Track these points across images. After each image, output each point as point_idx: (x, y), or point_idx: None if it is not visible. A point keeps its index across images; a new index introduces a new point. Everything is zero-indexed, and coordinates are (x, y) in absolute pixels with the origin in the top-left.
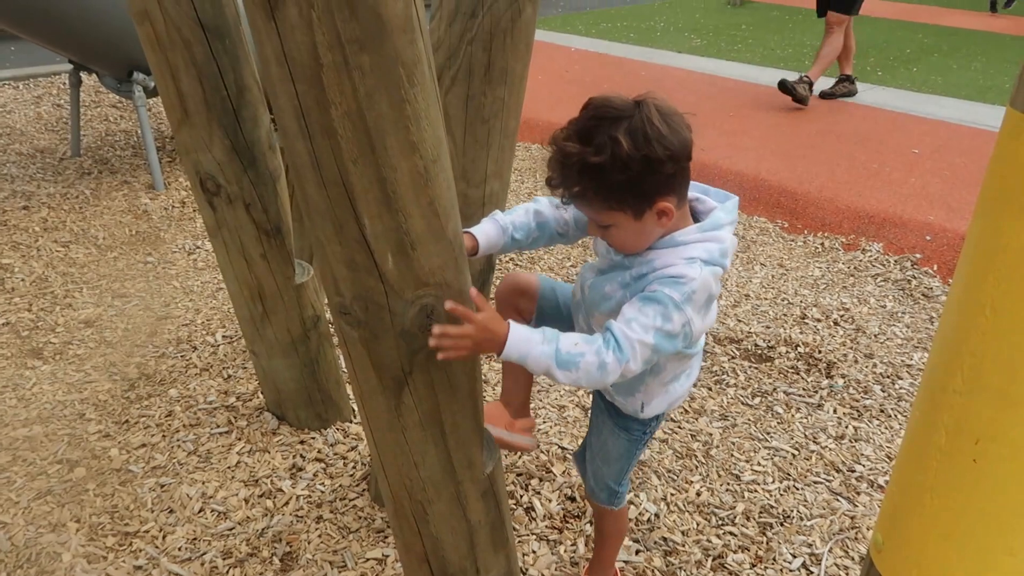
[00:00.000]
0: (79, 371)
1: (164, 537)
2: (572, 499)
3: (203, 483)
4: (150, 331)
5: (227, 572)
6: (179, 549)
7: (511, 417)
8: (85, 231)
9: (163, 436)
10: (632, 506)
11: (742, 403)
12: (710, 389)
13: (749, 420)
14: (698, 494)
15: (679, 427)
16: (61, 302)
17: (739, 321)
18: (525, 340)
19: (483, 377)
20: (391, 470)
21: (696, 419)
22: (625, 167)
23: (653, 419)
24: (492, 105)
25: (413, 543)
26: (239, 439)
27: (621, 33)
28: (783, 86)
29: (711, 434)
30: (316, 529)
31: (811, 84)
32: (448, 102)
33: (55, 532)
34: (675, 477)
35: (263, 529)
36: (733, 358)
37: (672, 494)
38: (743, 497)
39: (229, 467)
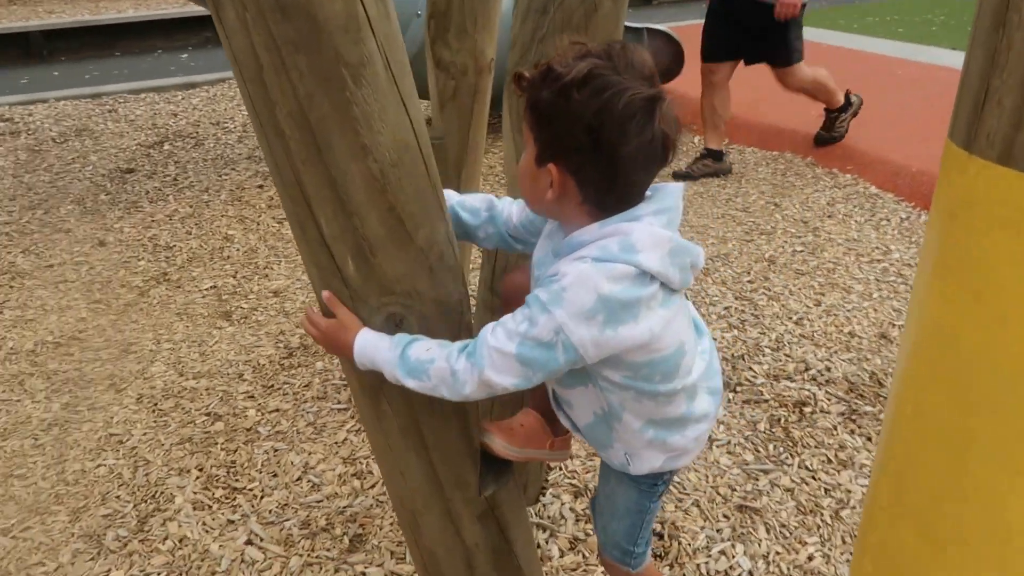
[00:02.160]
0: (254, 335)
1: (261, 498)
2: (659, 536)
3: (309, 453)
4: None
5: (298, 542)
6: (269, 512)
7: (552, 435)
8: None
9: (294, 404)
10: (723, 556)
11: None
12: (869, 440)
13: None
14: (809, 558)
15: (813, 477)
16: (260, 272)
17: None
18: (372, 346)
19: None
20: (384, 473)
21: (838, 472)
22: (563, 95)
23: (666, 472)
24: None
25: (414, 551)
26: (352, 417)
27: (888, 28)
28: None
29: (850, 491)
30: (390, 516)
31: (718, 154)
32: (518, 102)
33: (180, 476)
34: (788, 534)
35: (344, 507)
36: None
37: (778, 553)
38: None
39: (336, 442)
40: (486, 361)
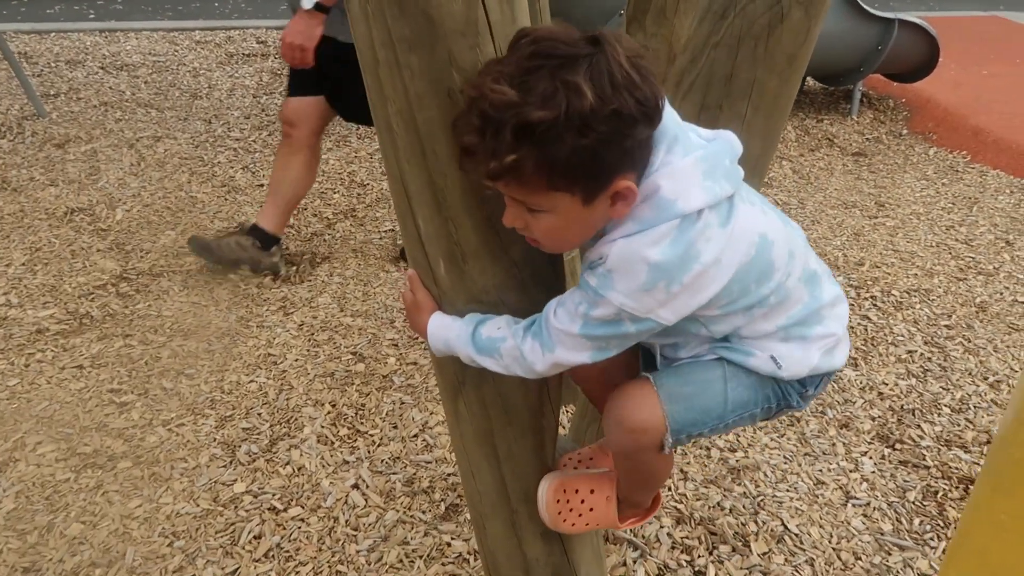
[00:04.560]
0: None
1: (378, 446)
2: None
3: (431, 413)
4: None
5: (399, 497)
6: (381, 461)
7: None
8: None
9: (431, 361)
10: None
11: None
12: None
13: None
14: None
15: None
16: None
17: None
18: (445, 327)
19: None
20: (459, 469)
21: None
22: (585, 128)
23: (806, 381)
24: (728, 121)
25: (480, 546)
26: None
27: None
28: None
29: None
30: None
31: (270, 239)
32: (682, 110)
33: (314, 407)
34: None
35: (449, 474)
36: None
37: None
38: None
39: None
40: (555, 341)
